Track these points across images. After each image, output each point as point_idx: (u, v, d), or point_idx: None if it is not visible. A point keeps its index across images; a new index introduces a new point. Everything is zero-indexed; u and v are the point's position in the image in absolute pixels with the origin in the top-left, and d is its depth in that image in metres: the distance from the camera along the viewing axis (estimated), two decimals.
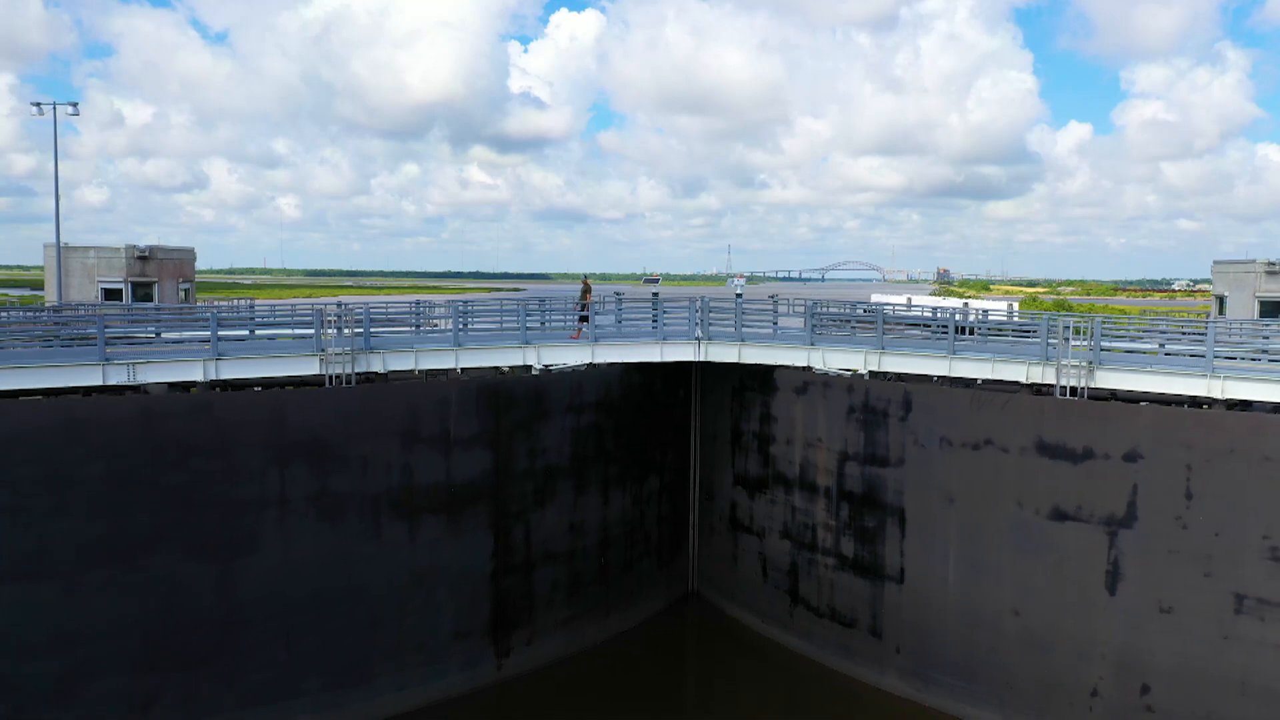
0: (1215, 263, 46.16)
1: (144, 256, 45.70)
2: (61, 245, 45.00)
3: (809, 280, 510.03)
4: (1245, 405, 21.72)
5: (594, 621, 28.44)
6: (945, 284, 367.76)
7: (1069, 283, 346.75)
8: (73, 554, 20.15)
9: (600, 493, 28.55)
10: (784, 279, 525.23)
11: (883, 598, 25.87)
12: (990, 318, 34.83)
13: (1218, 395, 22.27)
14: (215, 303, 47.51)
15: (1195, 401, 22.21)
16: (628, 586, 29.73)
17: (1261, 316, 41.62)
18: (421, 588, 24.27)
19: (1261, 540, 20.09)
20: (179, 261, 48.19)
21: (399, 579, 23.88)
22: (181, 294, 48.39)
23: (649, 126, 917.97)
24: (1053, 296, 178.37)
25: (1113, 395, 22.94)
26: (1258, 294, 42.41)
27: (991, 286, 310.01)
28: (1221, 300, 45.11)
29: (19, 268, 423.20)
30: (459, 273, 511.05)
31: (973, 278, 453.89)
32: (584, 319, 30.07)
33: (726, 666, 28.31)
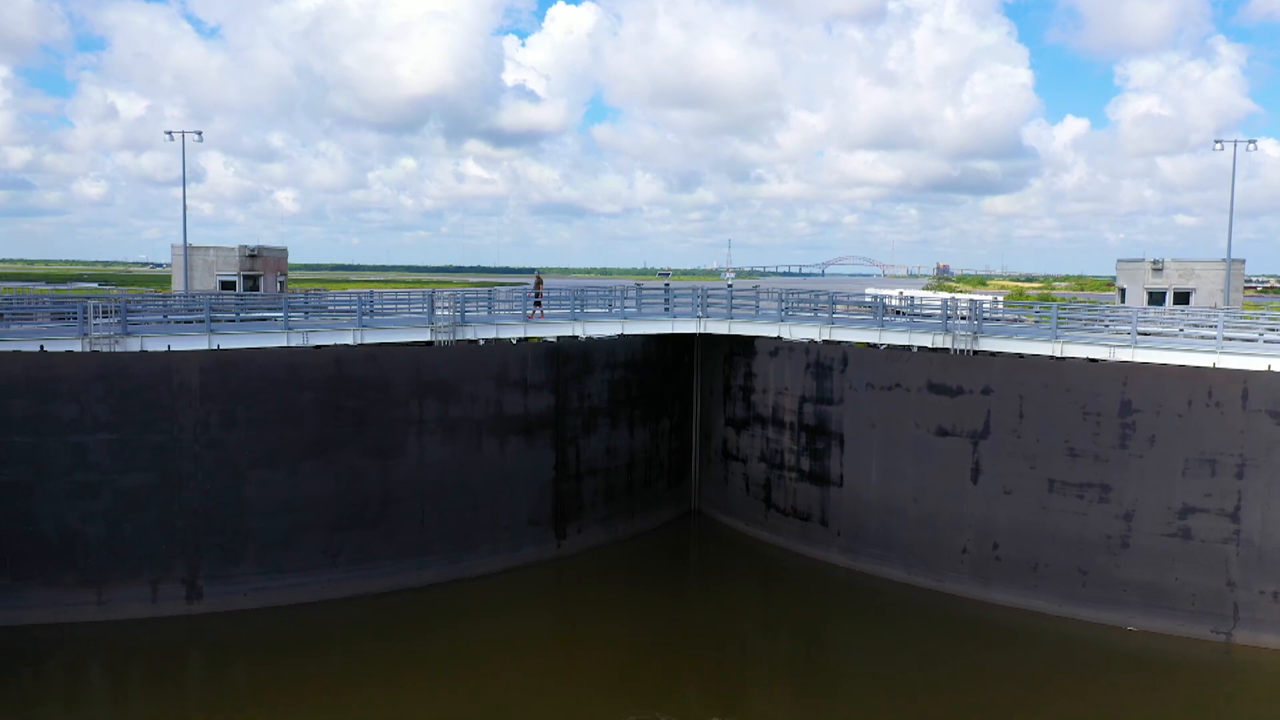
0: (1118, 261, 56.88)
1: (253, 255, 56.53)
2: (188, 246, 55.80)
3: (809, 275, 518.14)
4: (1095, 361, 32.01)
5: (623, 521, 39.14)
6: (944, 279, 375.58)
7: (1066, 278, 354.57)
8: (293, 451, 30.97)
9: (628, 428, 39.25)
10: (784, 274, 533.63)
11: (829, 498, 36.61)
12: (919, 303, 45.29)
13: (1059, 354, 32.99)
14: (358, 291, 57.85)
15: (1052, 359, 32.59)
16: (647, 499, 40.46)
17: (1149, 304, 52.32)
18: (508, 487, 35.01)
19: (1064, 443, 30.82)
20: (277, 258, 59.07)
21: (493, 480, 34.62)
22: (278, 285, 59.20)
23: (643, 120, 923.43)
24: (1037, 291, 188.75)
25: (1021, 356, 33.18)
26: (1146, 286, 53.13)
27: (988, 281, 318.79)
28: (1123, 291, 55.82)
29: (22, 261, 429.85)
30: (460, 267, 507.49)
31: (972, 273, 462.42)
32: (537, 303, 39.90)
33: (719, 553, 39.11)
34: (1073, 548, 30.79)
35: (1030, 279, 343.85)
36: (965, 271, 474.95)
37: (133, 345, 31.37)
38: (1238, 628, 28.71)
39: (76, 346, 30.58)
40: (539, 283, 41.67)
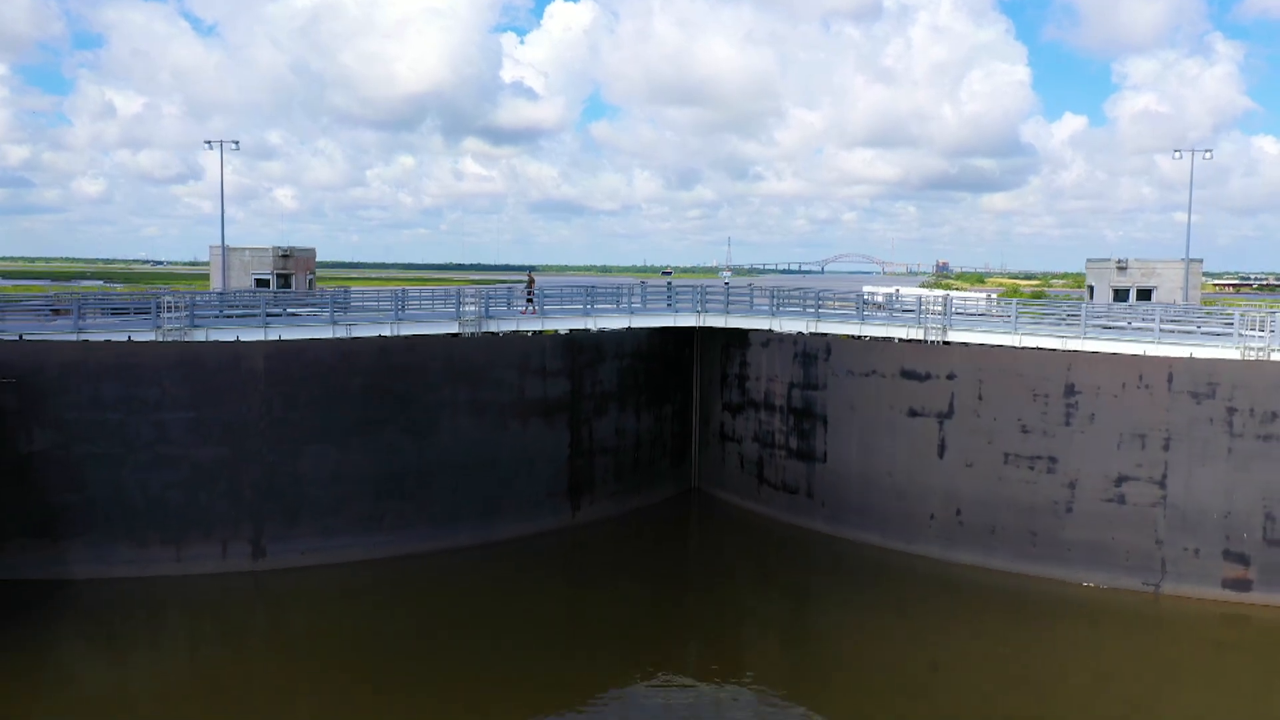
0: (1087, 261, 61.18)
1: (285, 255, 60.88)
2: (226, 247, 60.17)
3: (809, 273, 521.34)
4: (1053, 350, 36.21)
5: (630, 496, 43.53)
6: (943, 276, 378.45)
7: (1065, 275, 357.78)
8: (343, 429, 35.38)
9: (634, 412, 43.63)
10: (784, 271, 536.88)
11: (814, 473, 41.01)
12: (899, 299, 49.76)
13: (1018, 344, 37.38)
14: (390, 289, 62.28)
15: (1009, 348, 36.93)
16: (651, 476, 44.87)
17: (1115, 301, 56.63)
18: (529, 462, 39.39)
19: (1016, 420, 35.24)
20: (306, 258, 63.47)
21: (517, 456, 38.99)
22: (307, 283, 63.57)
23: (641, 118, 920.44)
24: (1030, 288, 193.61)
25: (993, 346, 37.70)
26: (1112, 284, 57.47)
27: (986, 279, 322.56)
28: (1091, 289, 60.15)
29: (23, 259, 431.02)
30: (460, 264, 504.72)
31: (971, 270, 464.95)
32: (529, 300, 44.13)
33: (716, 524, 43.53)
34: (1025, 513, 35.17)
35: (1029, 276, 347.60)
36: (964, 269, 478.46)
37: (198, 336, 35.76)
38: (1165, 581, 33.12)
39: (150, 336, 34.97)
40: (531, 281, 46.07)
